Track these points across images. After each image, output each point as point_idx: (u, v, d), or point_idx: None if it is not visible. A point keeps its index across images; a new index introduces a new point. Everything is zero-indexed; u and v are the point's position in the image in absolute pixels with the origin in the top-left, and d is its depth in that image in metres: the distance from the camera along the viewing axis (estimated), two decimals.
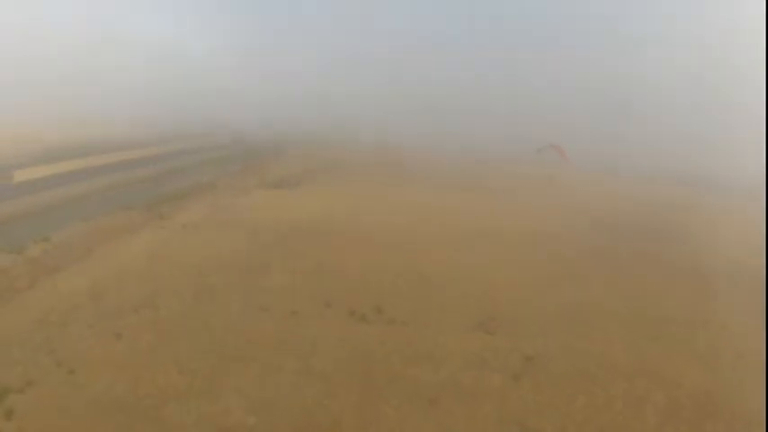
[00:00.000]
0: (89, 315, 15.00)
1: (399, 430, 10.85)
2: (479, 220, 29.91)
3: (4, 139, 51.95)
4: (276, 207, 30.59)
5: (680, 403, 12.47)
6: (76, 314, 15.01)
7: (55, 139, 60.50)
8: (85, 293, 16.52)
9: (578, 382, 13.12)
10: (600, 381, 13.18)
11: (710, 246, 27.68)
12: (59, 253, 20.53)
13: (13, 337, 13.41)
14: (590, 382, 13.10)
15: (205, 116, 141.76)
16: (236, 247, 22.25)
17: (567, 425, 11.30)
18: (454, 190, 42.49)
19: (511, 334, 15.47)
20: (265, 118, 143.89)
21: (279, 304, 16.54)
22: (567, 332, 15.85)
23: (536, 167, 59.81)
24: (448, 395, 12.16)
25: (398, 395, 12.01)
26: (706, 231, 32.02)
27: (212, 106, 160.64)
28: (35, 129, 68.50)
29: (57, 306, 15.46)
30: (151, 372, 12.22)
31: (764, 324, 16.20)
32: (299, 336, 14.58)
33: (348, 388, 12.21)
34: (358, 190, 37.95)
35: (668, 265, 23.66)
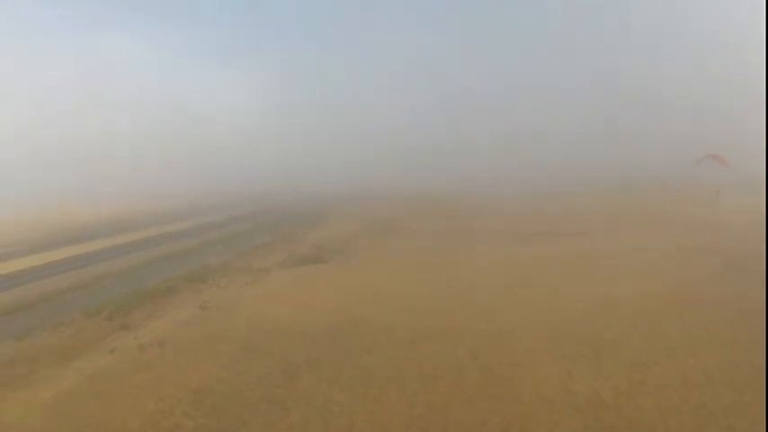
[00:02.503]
0: None
1: None
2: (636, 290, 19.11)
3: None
4: (296, 298, 20.52)
5: None
6: None
7: (64, 220, 55.05)
8: None
9: None
10: None
11: None
12: None
13: None
14: None
15: (252, 181, 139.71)
16: (208, 384, 12.39)
17: None
18: (565, 240, 31.75)
19: None
20: (315, 177, 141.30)
21: None
22: None
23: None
24: None
25: None
26: None
27: (261, 170, 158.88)
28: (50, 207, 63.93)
29: None
30: None
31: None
32: None
33: None
34: (416, 260, 27.47)
35: None
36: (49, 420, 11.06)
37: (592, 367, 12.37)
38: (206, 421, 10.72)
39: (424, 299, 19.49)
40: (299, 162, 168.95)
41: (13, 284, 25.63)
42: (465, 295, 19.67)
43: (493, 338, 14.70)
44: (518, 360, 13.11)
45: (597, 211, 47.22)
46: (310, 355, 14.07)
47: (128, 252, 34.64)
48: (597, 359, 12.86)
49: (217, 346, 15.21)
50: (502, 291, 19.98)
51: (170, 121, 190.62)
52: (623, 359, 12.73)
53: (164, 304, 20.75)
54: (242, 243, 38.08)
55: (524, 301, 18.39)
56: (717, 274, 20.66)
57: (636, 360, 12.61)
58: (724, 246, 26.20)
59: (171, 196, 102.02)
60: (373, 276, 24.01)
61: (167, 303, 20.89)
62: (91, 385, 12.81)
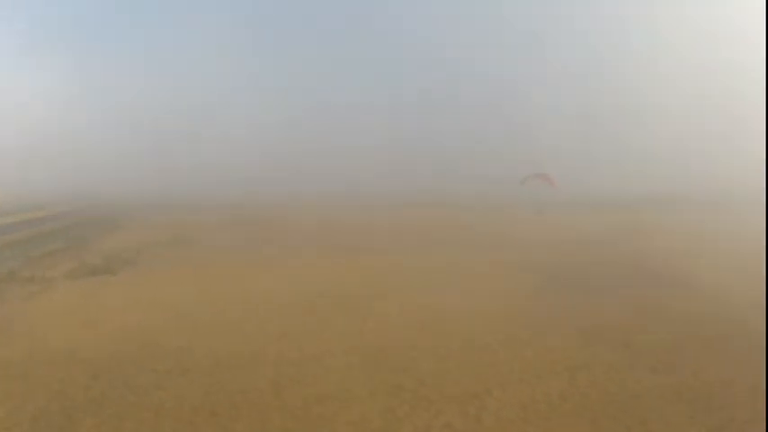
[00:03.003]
0: None
1: None
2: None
3: None
4: (81, 316, 16.52)
5: None
6: None
7: None
8: None
9: None
10: None
11: None
12: None
13: None
14: None
15: (66, 183, 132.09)
16: None
17: None
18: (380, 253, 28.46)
19: None
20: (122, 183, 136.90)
21: None
22: None
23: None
24: None
25: None
26: None
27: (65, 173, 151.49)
28: None
29: None
30: None
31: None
32: None
33: None
34: (214, 273, 23.89)
35: None
36: None
37: (417, 401, 10.05)
38: None
39: (225, 318, 16.25)
40: (104, 167, 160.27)
41: None
42: (269, 313, 16.76)
43: (300, 366, 12.00)
44: (329, 393, 10.80)
45: (415, 225, 46.66)
46: (94, 388, 10.95)
47: None
48: (423, 391, 10.59)
49: None
50: (310, 309, 17.30)
51: None
52: (452, 391, 10.59)
53: None
54: (28, 250, 31.75)
55: (334, 321, 15.86)
56: (545, 291, 20.01)
57: (467, 391, 10.54)
58: (548, 262, 26.30)
59: None
60: (168, 291, 20.21)
61: None
62: None
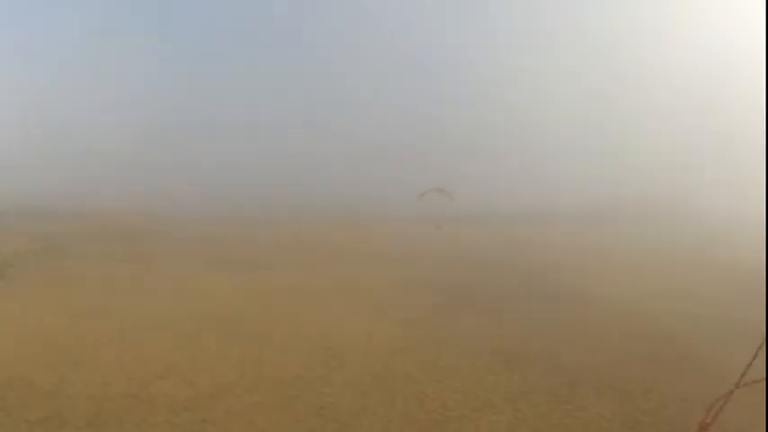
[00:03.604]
0: None
1: None
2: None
3: None
4: None
5: None
6: None
7: None
8: None
9: None
10: None
11: None
12: None
13: None
14: None
15: None
16: None
17: None
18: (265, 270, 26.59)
19: None
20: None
21: None
22: None
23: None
24: None
25: None
26: None
27: None
28: None
29: None
30: None
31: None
32: None
33: None
34: (90, 290, 20.95)
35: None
36: None
37: None
38: None
39: (102, 348, 13.61)
40: None
41: None
42: (152, 341, 14.32)
43: (196, 410, 9.90)
44: None
45: (308, 240, 44.62)
46: None
47: None
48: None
49: None
50: (197, 336, 14.95)
51: None
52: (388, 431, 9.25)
53: None
54: None
55: (227, 350, 13.69)
56: (454, 311, 18.83)
57: None
58: (452, 279, 25.51)
59: None
60: (39, 313, 17.25)
61: None
62: None
